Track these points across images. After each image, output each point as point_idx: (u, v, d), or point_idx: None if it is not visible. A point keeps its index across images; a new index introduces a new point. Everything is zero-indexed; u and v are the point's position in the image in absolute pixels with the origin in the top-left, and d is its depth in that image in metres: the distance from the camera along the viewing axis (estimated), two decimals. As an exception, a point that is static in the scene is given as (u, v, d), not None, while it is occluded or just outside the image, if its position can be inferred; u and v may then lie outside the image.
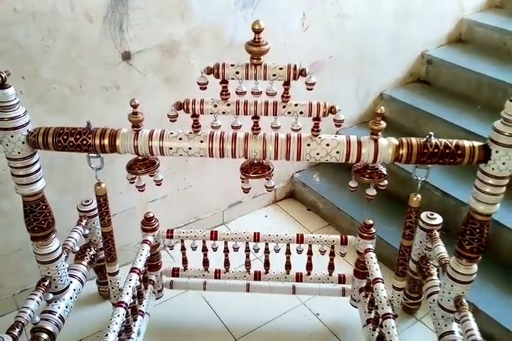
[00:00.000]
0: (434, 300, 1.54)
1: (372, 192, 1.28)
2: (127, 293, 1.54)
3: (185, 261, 1.89)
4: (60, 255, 1.49)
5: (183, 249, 1.86)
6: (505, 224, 1.94)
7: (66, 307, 1.54)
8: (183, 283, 1.94)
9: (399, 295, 1.54)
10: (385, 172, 1.28)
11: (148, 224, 1.81)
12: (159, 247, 1.86)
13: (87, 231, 1.75)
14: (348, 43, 2.35)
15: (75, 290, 1.60)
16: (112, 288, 1.60)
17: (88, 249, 1.75)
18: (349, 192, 2.41)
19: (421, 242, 1.72)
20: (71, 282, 1.59)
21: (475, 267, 1.38)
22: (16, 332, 1.30)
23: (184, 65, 1.91)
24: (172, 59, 1.88)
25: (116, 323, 1.43)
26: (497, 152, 1.19)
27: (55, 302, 1.53)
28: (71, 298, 1.58)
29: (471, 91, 2.54)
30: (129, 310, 1.55)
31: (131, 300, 1.56)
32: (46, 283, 1.47)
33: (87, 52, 1.68)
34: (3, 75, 1.19)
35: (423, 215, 1.70)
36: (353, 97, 2.52)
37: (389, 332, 1.41)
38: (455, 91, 2.60)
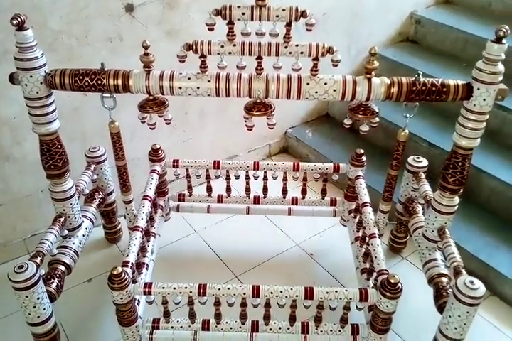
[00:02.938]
0: (419, 234, 1.68)
1: (365, 128, 1.40)
2: (142, 218, 1.66)
3: (190, 187, 2.03)
4: (74, 194, 1.60)
5: (188, 177, 2.00)
6: (485, 170, 2.08)
7: (80, 243, 1.66)
8: (188, 207, 2.08)
9: (384, 218, 1.75)
10: (377, 110, 1.39)
11: (155, 154, 1.93)
12: (166, 175, 1.99)
13: (95, 177, 1.85)
14: (342, 1, 2.42)
15: (86, 228, 1.71)
16: (128, 214, 1.78)
17: (97, 193, 1.85)
18: (340, 145, 2.56)
19: (407, 184, 1.86)
20: (83, 221, 1.70)
21: (457, 199, 1.52)
22: (38, 260, 1.41)
23: (184, 18, 1.98)
24: (172, 12, 1.94)
25: (135, 245, 1.56)
26: (478, 89, 1.31)
27: (70, 238, 1.65)
28: (83, 235, 1.69)
29: (457, 49, 2.64)
30: (144, 232, 1.67)
31: (146, 224, 1.69)
32: (62, 219, 1.58)
33: (92, 3, 1.74)
34: (22, 18, 1.27)
35: (410, 159, 1.83)
36: (346, 54, 2.60)
37: (374, 250, 1.57)
38: (442, 50, 2.69)
